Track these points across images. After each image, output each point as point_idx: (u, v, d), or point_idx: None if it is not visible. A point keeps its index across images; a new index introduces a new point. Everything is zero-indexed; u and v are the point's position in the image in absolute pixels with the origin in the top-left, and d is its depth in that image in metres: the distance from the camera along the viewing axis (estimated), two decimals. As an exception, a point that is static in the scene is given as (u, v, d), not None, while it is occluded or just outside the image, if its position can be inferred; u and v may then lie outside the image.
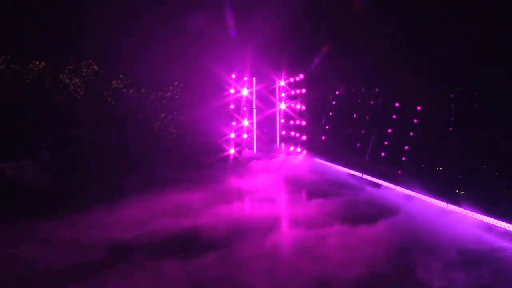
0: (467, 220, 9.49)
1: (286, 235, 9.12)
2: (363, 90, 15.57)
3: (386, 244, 8.20)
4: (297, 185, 13.83)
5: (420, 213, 10.27)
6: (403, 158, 12.78)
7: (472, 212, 9.49)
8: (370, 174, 13.81)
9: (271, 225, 9.49)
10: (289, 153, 18.83)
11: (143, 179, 14.05)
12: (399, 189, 12.18)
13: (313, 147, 18.42)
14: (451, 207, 10.19)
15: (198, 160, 16.79)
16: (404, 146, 12.76)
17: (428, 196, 10.99)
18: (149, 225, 9.24)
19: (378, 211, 10.51)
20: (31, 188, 13.05)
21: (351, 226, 9.16)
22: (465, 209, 9.69)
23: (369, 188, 13.27)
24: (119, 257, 7.54)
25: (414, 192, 11.50)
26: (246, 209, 11.35)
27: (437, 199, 10.65)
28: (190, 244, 8.34)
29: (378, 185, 13.20)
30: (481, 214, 9.26)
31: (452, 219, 9.73)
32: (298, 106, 18.96)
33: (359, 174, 14.30)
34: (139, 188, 12.66)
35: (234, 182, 14.07)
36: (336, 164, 16.05)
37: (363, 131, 15.14)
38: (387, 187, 12.79)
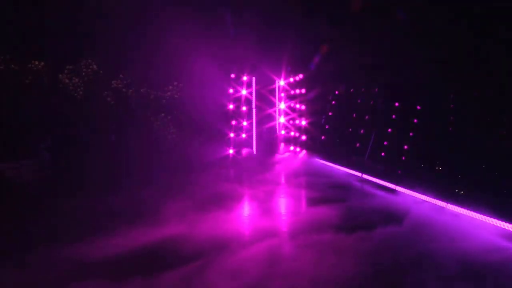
0: (486, 227, 8.69)
1: (266, 252, 7.68)
2: (362, 90, 15.56)
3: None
4: (297, 189, 13.08)
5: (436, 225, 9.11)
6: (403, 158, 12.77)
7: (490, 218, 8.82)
8: (384, 177, 12.87)
9: (255, 239, 8.34)
10: (288, 153, 18.83)
11: (137, 182, 13.42)
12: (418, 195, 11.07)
13: (313, 147, 18.42)
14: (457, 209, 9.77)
15: (196, 160, 16.71)
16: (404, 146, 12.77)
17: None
18: (116, 237, 8.37)
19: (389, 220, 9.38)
20: (27, 188, 12.88)
21: (349, 241, 8.10)
22: (485, 215, 8.97)
23: (381, 193, 12.15)
24: (76, 276, 6.76)
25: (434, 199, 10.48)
26: (230, 217, 9.95)
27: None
28: (156, 259, 7.39)
29: (393, 190, 12.10)
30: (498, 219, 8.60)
31: (469, 225, 8.87)
32: (298, 106, 18.98)
33: (370, 177, 13.58)
34: (129, 192, 12.06)
35: (227, 186, 13.15)
36: (337, 164, 15.93)
37: (364, 131, 15.01)
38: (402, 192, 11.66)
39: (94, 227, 9.06)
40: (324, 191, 12.47)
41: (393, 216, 9.67)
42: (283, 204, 11.73)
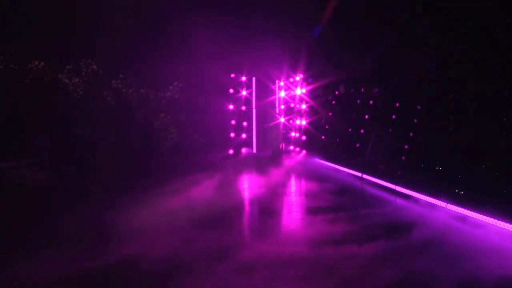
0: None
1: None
2: (362, 90, 15.47)
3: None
4: (295, 197, 11.72)
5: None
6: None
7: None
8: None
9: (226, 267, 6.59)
10: (288, 153, 18.77)
11: (125, 186, 12.53)
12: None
13: (313, 147, 18.34)
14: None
15: (195, 161, 16.63)
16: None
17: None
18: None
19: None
20: (25, 188, 12.52)
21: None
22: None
23: (387, 198, 10.79)
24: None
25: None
26: (204, 234, 8.08)
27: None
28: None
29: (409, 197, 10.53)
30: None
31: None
32: (298, 106, 18.92)
33: (375, 179, 12.53)
34: (108, 200, 10.80)
35: (214, 193, 11.57)
36: (338, 165, 15.72)
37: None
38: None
39: (42, 243, 7.65)
40: (325, 199, 11.05)
41: (400, 229, 8.10)
42: (275, 218, 9.60)
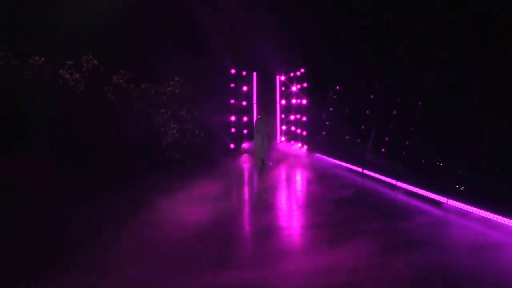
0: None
1: None
2: (363, 85, 15.39)
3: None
4: (294, 210, 9.35)
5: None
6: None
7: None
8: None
9: None
10: (289, 149, 18.79)
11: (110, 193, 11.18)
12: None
13: (314, 142, 18.33)
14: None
15: (194, 157, 16.55)
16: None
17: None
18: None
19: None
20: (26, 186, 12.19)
21: None
22: None
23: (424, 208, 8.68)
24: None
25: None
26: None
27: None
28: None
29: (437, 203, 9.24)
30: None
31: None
32: (299, 101, 18.89)
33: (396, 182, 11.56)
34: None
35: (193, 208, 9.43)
36: (340, 161, 15.52)
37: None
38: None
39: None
40: (330, 209, 9.36)
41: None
42: (264, 242, 7.29)
